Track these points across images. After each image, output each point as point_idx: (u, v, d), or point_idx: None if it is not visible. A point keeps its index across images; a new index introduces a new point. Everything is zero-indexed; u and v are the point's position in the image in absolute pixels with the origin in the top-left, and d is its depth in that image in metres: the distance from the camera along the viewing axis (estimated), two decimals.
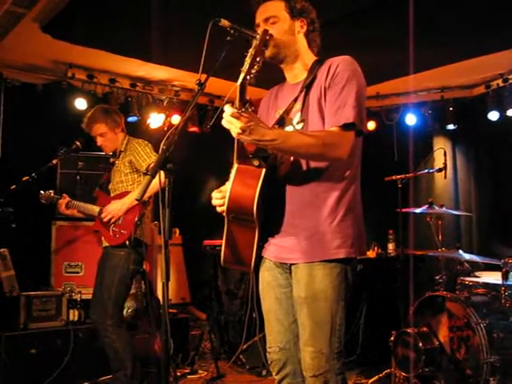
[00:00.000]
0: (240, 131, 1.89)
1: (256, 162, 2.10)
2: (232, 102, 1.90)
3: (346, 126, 2.11)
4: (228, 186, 2.10)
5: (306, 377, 2.19)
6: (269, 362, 2.38)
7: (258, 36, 1.98)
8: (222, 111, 1.89)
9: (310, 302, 2.16)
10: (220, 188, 2.27)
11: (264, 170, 2.09)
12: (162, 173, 1.95)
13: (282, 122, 2.27)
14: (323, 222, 2.17)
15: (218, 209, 2.20)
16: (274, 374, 2.36)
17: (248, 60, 1.90)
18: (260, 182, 2.05)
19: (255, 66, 1.90)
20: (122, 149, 3.95)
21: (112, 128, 3.95)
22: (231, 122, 1.89)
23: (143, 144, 3.90)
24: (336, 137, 2.11)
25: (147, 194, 3.70)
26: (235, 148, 2.09)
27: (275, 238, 2.27)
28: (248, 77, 1.89)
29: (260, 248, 2.25)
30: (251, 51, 1.92)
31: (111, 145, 3.99)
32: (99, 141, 3.98)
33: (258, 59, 1.91)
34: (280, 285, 2.32)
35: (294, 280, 2.23)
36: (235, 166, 2.12)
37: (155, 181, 1.96)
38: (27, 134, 4.95)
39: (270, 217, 2.19)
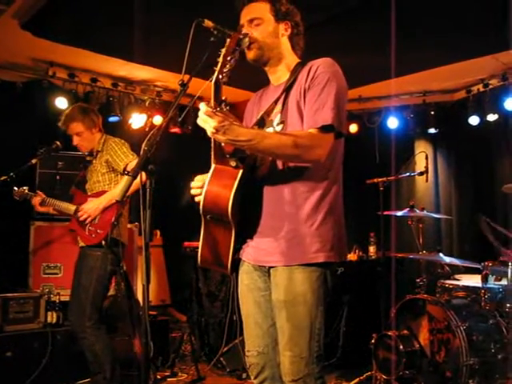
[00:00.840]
0: (214, 130, 1.87)
1: (233, 163, 2.08)
2: (208, 101, 1.89)
3: (324, 128, 2.09)
4: (204, 186, 2.07)
5: (285, 381, 2.16)
6: (247, 366, 2.36)
7: (231, 34, 1.98)
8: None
9: (289, 306, 2.14)
10: (198, 177, 2.22)
11: (241, 170, 2.06)
12: (143, 176, 1.92)
13: (261, 122, 2.26)
14: (302, 224, 2.15)
15: (197, 198, 2.16)
16: (252, 377, 2.34)
17: (220, 59, 1.90)
18: (236, 182, 2.02)
19: (227, 65, 1.89)
20: (99, 148, 3.90)
21: (89, 127, 3.90)
22: (206, 120, 1.87)
23: (120, 143, 3.86)
24: (314, 138, 2.09)
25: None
26: (212, 147, 2.07)
27: (253, 239, 2.25)
28: (221, 76, 1.88)
29: (238, 250, 2.23)
30: (223, 50, 1.92)
31: (87, 144, 3.95)
32: (75, 140, 3.94)
33: (229, 58, 1.90)
34: (259, 288, 2.29)
35: (273, 283, 2.21)
36: (212, 165, 2.09)
37: (135, 181, 1.93)
38: (6, 132, 4.87)
39: (248, 218, 2.17)
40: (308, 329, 2.13)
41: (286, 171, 2.19)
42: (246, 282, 2.33)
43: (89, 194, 3.90)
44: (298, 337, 2.13)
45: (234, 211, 2.01)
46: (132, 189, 3.46)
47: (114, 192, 3.72)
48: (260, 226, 2.22)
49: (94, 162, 3.92)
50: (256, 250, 2.25)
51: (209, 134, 1.92)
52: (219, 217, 2.05)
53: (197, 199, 2.16)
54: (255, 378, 2.32)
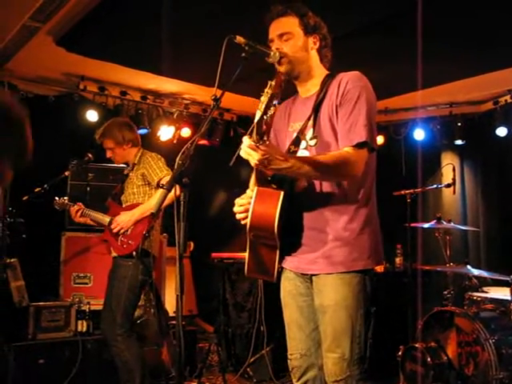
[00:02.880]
0: (258, 163, 1.96)
1: (274, 185, 2.19)
2: (250, 133, 1.96)
3: (359, 145, 2.18)
4: (250, 207, 2.18)
5: (328, 382, 2.27)
6: (290, 369, 2.46)
7: (272, 83, 1.97)
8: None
9: (332, 311, 2.25)
10: (243, 195, 2.35)
11: (282, 192, 2.17)
12: (177, 190, 1.97)
13: (297, 141, 2.32)
14: (341, 235, 2.26)
15: (238, 216, 2.31)
16: (295, 380, 2.44)
17: (264, 101, 1.93)
18: (280, 203, 2.14)
19: (271, 108, 1.94)
20: (136, 161, 4.01)
21: (119, 144, 4.01)
22: (249, 153, 1.95)
23: (156, 158, 3.95)
24: (350, 156, 2.18)
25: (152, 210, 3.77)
26: (254, 173, 2.20)
27: (295, 250, 2.34)
28: (265, 116, 1.94)
29: (281, 259, 2.33)
30: (268, 91, 1.94)
31: (119, 158, 4.07)
32: (108, 153, 4.07)
33: (274, 102, 1.95)
34: (301, 294, 2.40)
35: (316, 289, 2.32)
36: (255, 188, 2.21)
37: (169, 194, 1.99)
38: (38, 145, 4.95)
39: (289, 231, 2.26)
40: (350, 331, 2.24)
41: (322, 187, 2.29)
42: (289, 288, 2.44)
43: (124, 205, 3.99)
44: (341, 339, 2.24)
45: (279, 229, 2.13)
46: (166, 202, 3.51)
47: (148, 205, 3.80)
48: (301, 237, 2.32)
49: (131, 174, 4.01)
50: (299, 260, 2.35)
51: (252, 164, 2.02)
52: (265, 234, 2.18)
53: (238, 217, 2.31)
54: (298, 380, 2.42)
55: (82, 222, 4.12)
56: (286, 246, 2.30)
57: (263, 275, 2.37)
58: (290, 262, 2.39)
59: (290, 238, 2.28)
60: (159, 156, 3.99)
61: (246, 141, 1.94)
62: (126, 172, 4.10)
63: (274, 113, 1.96)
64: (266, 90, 1.95)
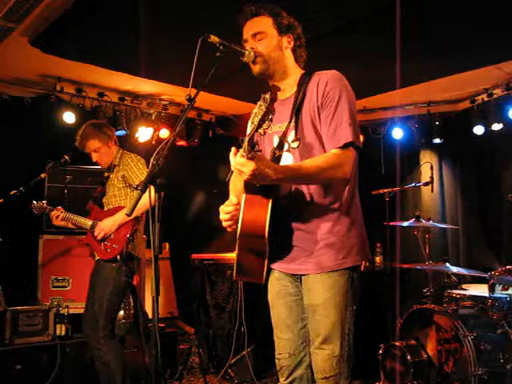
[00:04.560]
0: (249, 177, 1.96)
1: (263, 192, 2.18)
2: (237, 147, 1.98)
3: (346, 146, 2.19)
4: (239, 214, 2.19)
5: (318, 379, 2.29)
6: (278, 369, 2.46)
7: (266, 96, 1.97)
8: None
9: (321, 309, 2.26)
10: (226, 202, 2.34)
11: (271, 199, 2.17)
12: (152, 191, 1.95)
13: (281, 146, 2.30)
14: (329, 234, 2.27)
15: (224, 223, 2.31)
16: (282, 379, 2.44)
17: (258, 114, 1.93)
18: (269, 210, 2.15)
19: (266, 122, 1.94)
20: (116, 162, 3.95)
21: (105, 142, 3.95)
22: (239, 169, 1.96)
23: (136, 159, 3.90)
24: (339, 158, 2.19)
25: (140, 211, 3.74)
26: (243, 182, 2.19)
27: (284, 252, 2.35)
28: (259, 130, 1.94)
29: (270, 262, 2.33)
30: (262, 104, 1.94)
31: (107, 159, 3.99)
32: (94, 157, 3.97)
33: (270, 116, 1.94)
34: (290, 293, 2.41)
35: (305, 289, 2.33)
36: (243, 195, 2.20)
37: (146, 199, 1.97)
38: (15, 147, 4.92)
39: (277, 232, 2.24)
40: (340, 329, 2.26)
41: (310, 189, 2.30)
42: (278, 288, 2.45)
43: (105, 208, 3.95)
44: (331, 337, 2.26)
45: (269, 236, 2.14)
46: (145, 207, 3.47)
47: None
48: (290, 239, 2.33)
49: (111, 176, 3.96)
50: (287, 261, 2.36)
51: (244, 179, 2.02)
52: (256, 240, 2.18)
53: (225, 224, 2.31)
54: (286, 379, 2.42)
55: (62, 225, 4.06)
56: (275, 248, 2.29)
57: (251, 278, 2.36)
58: (278, 264, 2.40)
59: (278, 240, 2.28)
60: (139, 157, 3.94)
61: (235, 158, 1.95)
62: (106, 174, 4.05)
63: (266, 129, 1.97)
64: (259, 103, 1.95)
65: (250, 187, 2.18)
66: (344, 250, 2.28)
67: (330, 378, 2.24)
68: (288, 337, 2.41)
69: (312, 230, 2.29)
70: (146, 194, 1.95)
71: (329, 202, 2.29)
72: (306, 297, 2.33)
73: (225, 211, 2.30)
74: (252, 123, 1.94)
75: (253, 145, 1.94)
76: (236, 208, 2.26)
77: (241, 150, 1.96)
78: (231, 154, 1.98)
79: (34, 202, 4.06)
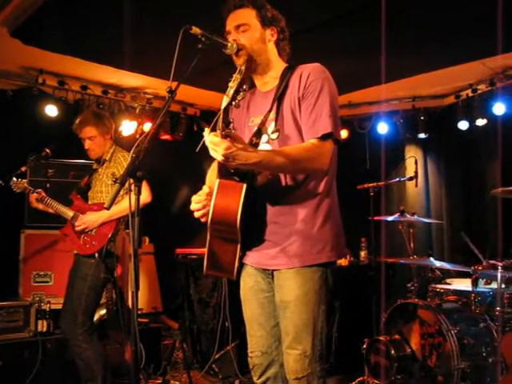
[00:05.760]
0: (223, 158, 1.91)
1: (237, 178, 2.13)
2: (212, 125, 1.92)
3: (324, 136, 2.15)
4: (211, 200, 2.11)
5: (289, 379, 2.23)
6: (250, 367, 2.41)
7: (242, 68, 1.96)
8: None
9: (293, 306, 2.20)
10: (199, 192, 2.27)
11: (245, 185, 2.11)
12: (133, 197, 1.91)
13: (259, 134, 2.27)
14: (303, 228, 2.22)
15: (196, 214, 2.23)
16: (255, 378, 2.39)
17: (233, 86, 1.90)
18: (242, 195, 2.08)
19: (241, 94, 1.90)
20: (107, 158, 3.90)
21: (102, 133, 3.90)
22: (214, 148, 1.91)
23: (128, 157, 3.84)
24: (316, 149, 2.15)
25: (123, 214, 3.70)
26: (216, 165, 2.13)
27: (256, 245, 2.30)
28: (233, 103, 1.90)
29: (242, 255, 2.28)
30: (237, 76, 1.91)
31: (98, 149, 3.92)
32: (87, 144, 3.91)
33: (244, 87, 1.91)
34: (262, 289, 2.36)
35: (277, 285, 2.28)
36: (217, 180, 2.14)
37: (125, 205, 1.92)
38: None
39: (250, 225, 2.20)
40: (311, 327, 2.20)
41: (284, 179, 2.25)
42: (250, 284, 2.39)
43: (90, 202, 3.90)
44: (302, 336, 2.20)
45: (241, 223, 2.08)
46: (126, 211, 3.41)
47: (118, 207, 3.66)
48: (263, 232, 2.27)
49: (100, 170, 3.91)
50: (260, 255, 2.31)
51: (219, 160, 1.96)
52: (227, 228, 2.11)
53: (196, 214, 2.23)
54: (258, 378, 2.38)
55: (40, 208, 4.00)
56: (247, 240, 2.24)
57: (223, 273, 2.30)
58: (251, 258, 2.35)
59: (251, 232, 2.22)
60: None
61: (209, 137, 1.90)
62: (94, 166, 3.99)
63: (240, 100, 1.92)
64: (234, 75, 1.91)
65: (225, 172, 2.12)
66: (318, 245, 2.22)
67: (302, 378, 2.19)
68: (260, 334, 2.36)
69: (285, 223, 2.24)
70: (133, 197, 1.91)
71: (304, 194, 2.24)
72: (277, 293, 2.28)
73: (196, 200, 2.24)
74: (227, 96, 1.89)
75: (227, 122, 1.90)
76: (208, 198, 2.19)
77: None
78: (205, 132, 1.92)
79: (14, 178, 3.95)
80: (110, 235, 3.71)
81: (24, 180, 4.00)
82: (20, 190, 3.97)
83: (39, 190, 3.97)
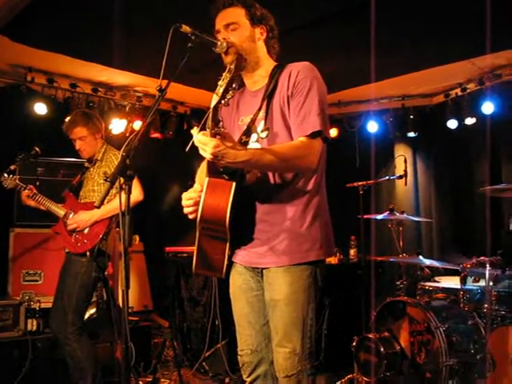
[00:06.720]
0: (212, 156, 1.91)
1: (226, 176, 2.14)
2: (201, 124, 1.92)
3: (313, 135, 2.16)
4: (201, 198, 2.12)
5: (279, 378, 2.24)
6: (240, 365, 2.42)
7: (231, 66, 1.95)
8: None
9: (282, 305, 2.21)
10: (190, 190, 2.29)
11: (234, 183, 2.12)
12: (123, 196, 1.91)
13: (248, 132, 2.28)
14: (292, 226, 2.23)
15: (186, 210, 2.24)
16: (245, 376, 2.40)
17: (223, 84, 1.90)
18: (231, 194, 2.09)
19: (230, 92, 1.91)
20: (99, 157, 3.90)
21: (92, 133, 3.89)
22: (203, 148, 1.91)
23: (119, 156, 3.82)
24: (305, 147, 2.16)
25: (115, 212, 3.69)
26: (206, 163, 2.14)
27: (245, 243, 2.30)
28: (222, 101, 1.90)
29: (231, 254, 2.28)
30: (226, 75, 1.91)
31: (89, 149, 3.91)
32: (78, 144, 3.90)
33: (233, 85, 1.91)
34: (251, 288, 2.37)
35: (266, 283, 2.29)
36: (206, 179, 2.15)
37: (117, 203, 1.93)
38: None
39: (239, 223, 2.21)
40: (301, 325, 2.21)
41: (273, 177, 2.26)
42: (239, 282, 2.40)
43: (82, 201, 3.88)
44: (292, 334, 2.21)
45: (230, 222, 2.08)
46: (117, 210, 3.41)
47: (109, 206, 3.67)
48: (252, 230, 2.28)
49: (92, 170, 3.90)
50: (249, 253, 2.31)
51: (208, 158, 1.97)
52: (216, 227, 2.12)
53: (186, 211, 2.25)
54: (248, 376, 2.39)
55: (32, 205, 3.97)
56: (237, 239, 2.25)
57: (212, 272, 2.31)
58: (240, 256, 2.35)
59: (240, 231, 2.23)
60: None
61: (198, 136, 1.91)
62: (86, 165, 3.97)
63: (229, 99, 1.92)
64: (224, 74, 1.91)
65: (214, 170, 2.12)
66: (307, 243, 2.23)
67: (291, 376, 2.20)
68: (250, 333, 2.37)
69: (274, 221, 2.24)
70: (123, 196, 1.91)
71: (293, 193, 2.25)
72: (266, 292, 2.29)
73: (187, 197, 2.25)
74: (216, 95, 1.90)
75: (217, 121, 1.90)
76: (199, 195, 2.19)
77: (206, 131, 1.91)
78: (194, 130, 1.93)
79: (5, 174, 3.92)
80: (102, 234, 3.71)
81: (16, 176, 3.98)
82: (11, 186, 3.94)
83: (31, 186, 3.95)
